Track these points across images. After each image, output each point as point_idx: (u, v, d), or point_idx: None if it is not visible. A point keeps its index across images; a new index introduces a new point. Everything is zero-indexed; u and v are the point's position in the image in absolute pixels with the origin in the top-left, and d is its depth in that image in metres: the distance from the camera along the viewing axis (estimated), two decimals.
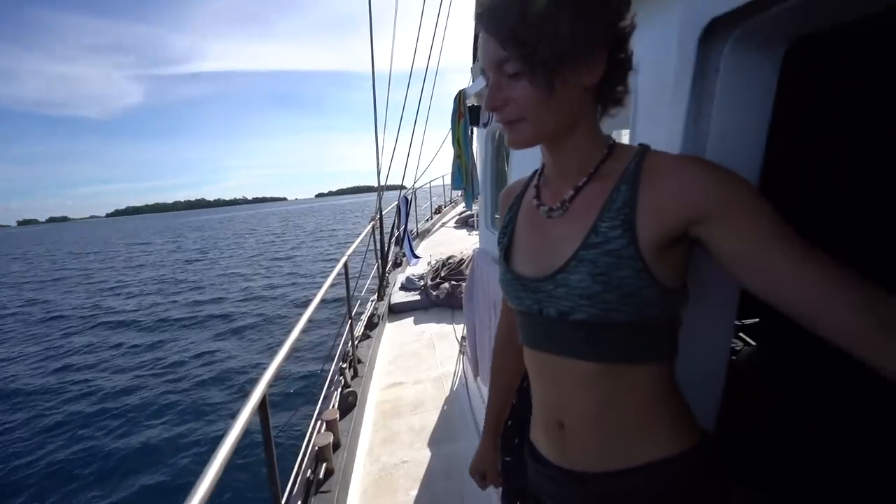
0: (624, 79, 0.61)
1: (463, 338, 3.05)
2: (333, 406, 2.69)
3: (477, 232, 3.20)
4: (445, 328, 4.19)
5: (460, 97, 2.20)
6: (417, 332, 4.26)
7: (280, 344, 1.65)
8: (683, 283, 0.60)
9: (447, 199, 11.88)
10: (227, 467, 0.94)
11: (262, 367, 1.41)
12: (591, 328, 0.59)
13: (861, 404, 1.09)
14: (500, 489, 1.08)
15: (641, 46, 0.79)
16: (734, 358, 1.32)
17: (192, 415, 6.67)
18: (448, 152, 2.74)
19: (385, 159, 5.09)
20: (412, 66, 4.80)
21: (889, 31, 0.91)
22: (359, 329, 3.94)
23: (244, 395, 1.24)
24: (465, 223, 9.33)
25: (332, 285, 2.69)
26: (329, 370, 3.16)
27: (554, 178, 0.68)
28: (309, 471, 2.10)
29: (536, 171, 0.75)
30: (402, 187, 5.89)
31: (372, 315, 4.25)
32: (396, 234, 6.23)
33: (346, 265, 3.11)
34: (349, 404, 2.76)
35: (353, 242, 4.00)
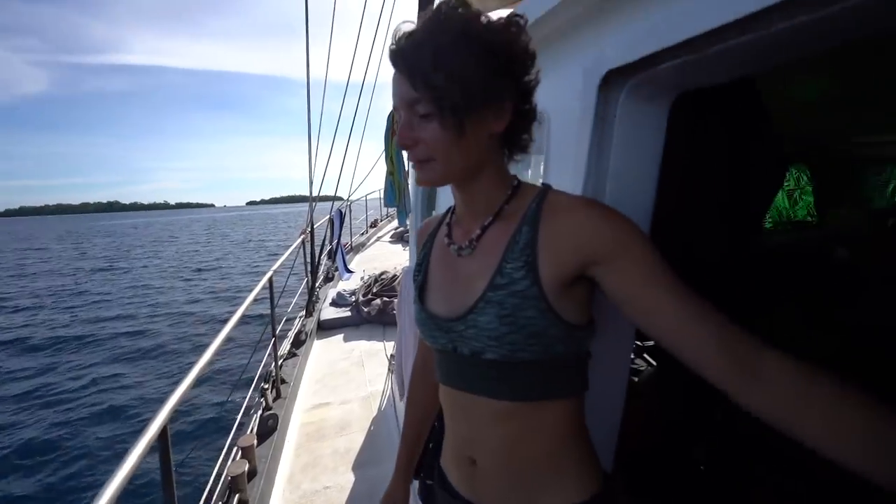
0: (528, 128, 0.64)
1: (392, 356, 3.02)
2: (251, 431, 2.53)
3: None
4: (376, 345, 4.12)
5: (393, 116, 2.22)
6: (347, 349, 4.14)
7: (190, 367, 1.53)
8: (589, 318, 0.63)
9: (383, 213, 11.79)
10: None
11: (163, 392, 1.30)
12: (501, 367, 0.61)
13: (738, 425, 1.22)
14: None
15: (553, 91, 0.86)
16: (636, 379, 1.43)
17: (84, 455, 5.70)
18: (384, 167, 2.75)
19: (319, 170, 4.97)
20: (348, 77, 4.76)
21: (755, 89, 1.07)
22: (284, 347, 3.76)
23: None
24: (400, 238, 9.29)
25: (256, 301, 2.55)
26: (249, 392, 2.97)
27: (464, 217, 0.70)
28: (220, 503, 1.94)
29: (450, 208, 0.77)
30: (335, 198, 5.77)
31: (299, 332, 4.08)
32: (329, 248, 6.06)
33: (270, 280, 2.98)
34: (269, 428, 2.61)
35: (282, 255, 3.84)
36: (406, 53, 0.55)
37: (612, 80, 0.73)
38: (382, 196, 2.67)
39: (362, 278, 5.51)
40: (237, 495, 1.98)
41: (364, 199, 10.42)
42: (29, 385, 8.00)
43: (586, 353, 0.65)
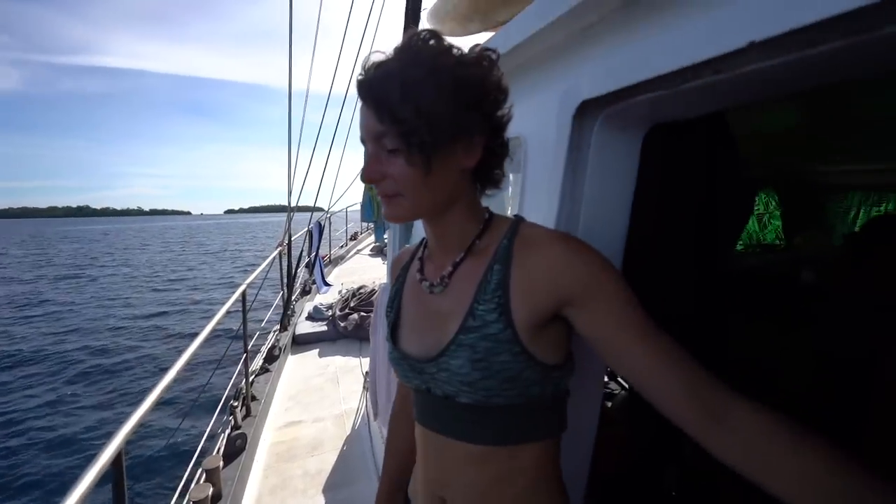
0: (500, 163, 0.63)
1: (367, 372, 2.96)
2: (218, 452, 2.43)
3: None
4: (352, 361, 4.04)
5: None
6: (322, 365, 4.05)
7: (153, 386, 1.46)
8: (566, 356, 0.61)
9: (364, 226, 11.70)
10: None
11: (124, 415, 1.23)
12: (476, 411, 0.59)
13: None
14: None
15: (530, 117, 0.86)
16: (609, 404, 1.44)
17: (31, 485, 5.19)
18: None
19: (298, 180, 4.92)
20: (330, 88, 4.75)
21: (724, 120, 1.11)
22: (257, 363, 3.65)
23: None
24: (380, 251, 9.25)
25: (228, 314, 2.47)
26: (216, 410, 2.86)
27: (436, 252, 0.68)
28: None
29: (423, 240, 0.75)
30: (314, 209, 5.70)
31: (273, 347, 3.97)
32: (307, 260, 5.97)
33: (244, 294, 2.90)
34: (237, 449, 2.51)
35: (259, 265, 3.76)
36: (373, 85, 0.54)
37: (587, 110, 0.74)
38: (361, 211, 2.65)
39: (340, 292, 5.43)
40: None
41: (345, 210, 10.34)
42: None
43: (564, 391, 0.63)
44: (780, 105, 1.54)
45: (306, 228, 5.69)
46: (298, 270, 5.45)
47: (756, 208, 3.28)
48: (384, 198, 0.59)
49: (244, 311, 2.97)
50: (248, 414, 2.88)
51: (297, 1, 4.04)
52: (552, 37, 0.77)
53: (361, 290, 5.25)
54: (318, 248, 5.85)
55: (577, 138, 0.76)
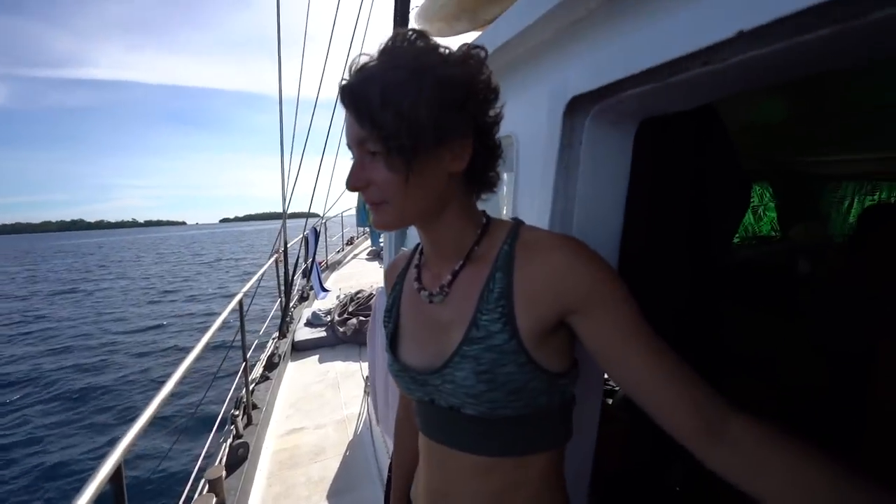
0: (493, 165, 0.61)
1: (367, 377, 2.95)
2: (220, 462, 2.41)
3: None
4: (352, 366, 4.03)
5: None
6: (322, 371, 4.03)
7: (150, 398, 1.45)
8: (571, 363, 0.60)
9: (360, 231, 11.66)
10: None
11: (122, 426, 1.21)
12: (482, 423, 0.58)
13: None
14: None
15: (520, 114, 0.86)
16: (609, 401, 1.44)
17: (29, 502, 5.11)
18: None
19: (292, 187, 4.90)
20: (318, 92, 4.74)
21: (715, 112, 1.11)
22: (257, 371, 3.64)
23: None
24: (377, 255, 9.23)
25: (226, 325, 2.46)
26: (217, 420, 2.84)
27: (432, 259, 0.66)
28: None
29: (419, 245, 0.73)
30: (309, 215, 5.69)
31: (272, 354, 3.96)
32: (304, 266, 5.95)
33: (240, 302, 2.88)
34: (239, 458, 2.49)
35: (254, 274, 3.74)
36: (355, 89, 0.52)
37: (578, 106, 0.74)
38: (355, 216, 2.64)
39: (338, 297, 5.42)
40: None
41: (340, 216, 10.31)
42: None
43: (571, 398, 0.62)
44: (770, 97, 1.55)
45: (302, 234, 5.68)
46: (295, 277, 5.43)
47: (752, 200, 3.30)
48: (371, 206, 0.57)
49: (242, 320, 2.96)
50: (249, 422, 2.87)
51: (285, 7, 4.04)
52: (540, 33, 0.77)
53: (359, 295, 5.24)
54: (314, 254, 5.83)
55: (568, 135, 0.76)
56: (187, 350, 1.85)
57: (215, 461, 2.43)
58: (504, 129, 0.64)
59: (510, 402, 0.55)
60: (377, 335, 2.04)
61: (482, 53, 0.56)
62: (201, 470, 2.23)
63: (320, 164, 5.03)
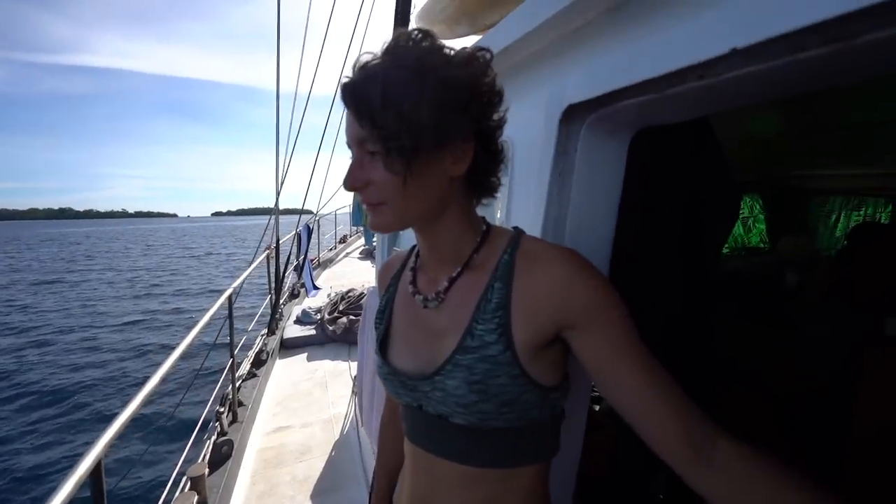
0: (495, 170, 0.60)
1: (356, 377, 2.94)
2: (203, 459, 2.38)
3: None
4: (340, 365, 4.01)
5: None
6: (310, 369, 4.01)
7: (135, 392, 1.42)
8: (563, 376, 0.59)
9: (353, 229, 11.59)
10: None
11: (102, 425, 1.20)
12: (471, 433, 0.57)
13: None
14: None
15: (516, 120, 0.86)
16: (596, 408, 1.45)
17: (5, 499, 5.00)
18: None
19: (287, 183, 4.87)
20: (310, 88, 4.72)
21: (712, 129, 1.12)
22: (244, 368, 3.60)
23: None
24: (369, 255, 9.20)
25: (215, 318, 2.43)
26: (202, 417, 2.81)
27: (429, 263, 0.65)
28: None
29: (415, 247, 0.71)
30: (303, 211, 5.65)
31: (260, 351, 3.92)
32: (296, 263, 5.91)
33: (230, 298, 2.85)
34: (223, 455, 2.46)
35: (245, 269, 3.71)
36: (356, 88, 0.51)
37: (574, 114, 0.74)
38: (350, 214, 2.63)
39: (329, 295, 5.39)
40: None
41: (333, 213, 10.27)
42: None
43: (560, 412, 0.62)
44: (763, 111, 1.57)
45: (294, 231, 5.64)
46: (286, 274, 5.39)
47: (741, 212, 3.34)
48: (368, 206, 0.56)
49: (230, 315, 2.93)
50: (234, 420, 2.84)
51: (286, 2, 4.02)
52: (539, 40, 0.77)
53: (350, 294, 5.22)
54: (306, 251, 5.80)
55: (563, 142, 0.76)
56: (173, 346, 1.82)
57: (198, 458, 2.40)
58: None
59: (501, 413, 0.55)
60: (367, 336, 2.04)
61: (487, 55, 0.55)
62: (184, 467, 2.21)
63: (315, 161, 5.00)
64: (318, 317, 4.76)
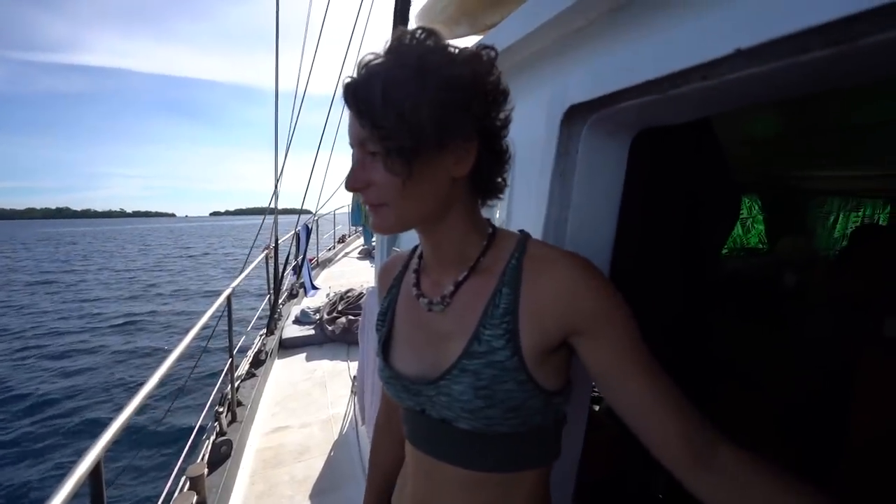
0: (500, 171, 0.59)
1: (355, 377, 2.94)
2: (202, 459, 2.38)
3: None
4: (339, 365, 4.00)
5: None
6: (309, 369, 4.00)
7: (133, 393, 1.42)
8: (566, 381, 0.59)
9: (352, 229, 11.58)
10: None
11: (105, 420, 1.20)
12: (475, 438, 0.57)
13: None
14: None
15: (517, 120, 0.86)
16: (596, 408, 1.45)
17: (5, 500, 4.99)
18: None
19: (286, 182, 4.87)
20: (305, 88, 4.71)
21: (713, 130, 1.13)
22: (243, 368, 3.60)
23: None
24: (368, 255, 9.19)
25: (214, 318, 2.43)
26: (201, 417, 2.80)
27: (432, 265, 0.64)
28: None
29: (417, 248, 0.70)
30: (302, 211, 5.65)
31: (259, 351, 3.92)
32: (294, 263, 5.91)
33: (228, 298, 2.85)
34: (222, 455, 2.46)
35: (244, 270, 3.70)
36: (357, 87, 0.50)
37: (575, 115, 0.74)
38: (349, 214, 2.63)
39: (328, 295, 5.39)
40: None
41: (332, 213, 10.26)
42: None
43: (563, 417, 0.62)
44: (763, 112, 1.57)
45: (293, 231, 5.63)
46: (285, 273, 5.39)
47: (741, 212, 3.35)
48: (370, 208, 0.56)
49: (230, 315, 2.93)
50: (233, 419, 2.83)
51: (285, 2, 4.02)
52: (540, 41, 0.77)
53: (349, 294, 5.22)
54: (305, 251, 5.79)
55: (565, 143, 0.76)
56: (171, 346, 1.82)
57: (197, 458, 2.40)
58: None
59: (507, 419, 0.54)
60: (367, 336, 2.03)
61: (492, 53, 0.54)
62: (183, 467, 2.20)
63: (314, 161, 5.00)
64: (317, 317, 4.76)
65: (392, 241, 1.96)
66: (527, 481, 0.60)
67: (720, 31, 0.46)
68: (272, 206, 4.78)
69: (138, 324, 12.97)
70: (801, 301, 2.11)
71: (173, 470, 2.14)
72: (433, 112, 0.48)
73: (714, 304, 1.75)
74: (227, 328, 2.93)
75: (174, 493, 2.04)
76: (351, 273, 7.72)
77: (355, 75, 0.52)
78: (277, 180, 4.73)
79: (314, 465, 2.62)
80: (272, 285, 4.86)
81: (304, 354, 4.30)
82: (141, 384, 1.47)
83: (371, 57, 0.52)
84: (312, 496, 2.36)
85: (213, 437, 2.57)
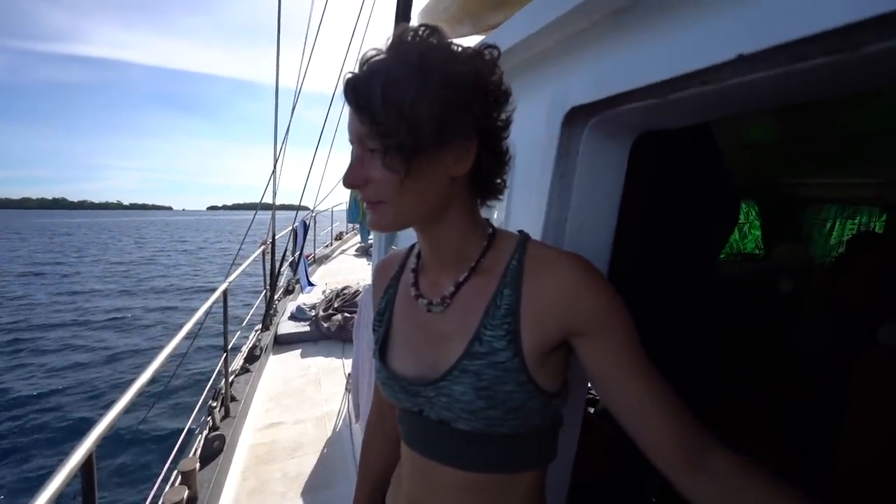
0: (500, 171, 0.59)
1: (349, 374, 2.94)
2: (194, 454, 2.37)
3: None
4: (334, 362, 4.00)
5: None
6: (304, 366, 4.00)
7: (128, 385, 1.42)
8: (564, 382, 0.59)
9: (349, 226, 11.58)
10: None
11: (96, 416, 1.19)
12: (473, 439, 0.57)
13: None
14: None
15: (518, 121, 0.86)
16: (591, 410, 1.45)
17: None
18: None
19: (284, 179, 4.86)
20: (300, 84, 4.70)
21: (712, 134, 1.13)
22: (237, 363, 3.59)
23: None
24: (365, 252, 9.18)
25: (207, 314, 2.43)
26: (194, 411, 2.80)
27: (430, 265, 0.64)
28: None
29: (414, 247, 0.70)
30: (300, 207, 5.64)
31: (254, 347, 3.91)
32: (291, 259, 5.89)
33: (224, 293, 2.84)
34: (214, 450, 2.46)
35: (240, 265, 3.70)
36: (357, 84, 0.50)
37: (576, 116, 0.74)
38: (347, 210, 2.63)
39: (324, 292, 5.38)
40: None
41: (330, 210, 10.24)
42: None
43: (560, 418, 0.62)
44: (761, 118, 1.58)
45: (291, 227, 5.62)
46: (282, 269, 5.37)
47: (738, 218, 3.36)
48: (368, 205, 0.55)
49: (225, 310, 2.92)
50: (226, 415, 2.83)
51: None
52: (543, 42, 0.77)
53: (345, 291, 5.21)
54: (302, 247, 5.78)
55: (565, 144, 0.76)
56: (169, 335, 1.82)
57: (190, 453, 2.39)
58: None
59: (507, 419, 0.54)
60: (363, 333, 2.03)
61: (495, 52, 0.53)
62: (175, 461, 2.20)
63: (313, 158, 4.99)
64: (313, 313, 4.75)
65: (390, 239, 1.96)
66: (523, 483, 0.60)
67: (723, 36, 0.46)
68: (270, 201, 4.77)
69: (134, 319, 12.88)
70: (797, 307, 2.12)
71: (165, 464, 2.14)
72: (433, 110, 0.48)
73: (710, 308, 1.76)
74: (222, 323, 2.93)
75: (166, 486, 2.04)
76: (347, 270, 7.71)
77: (356, 71, 0.52)
78: (276, 176, 4.72)
79: (307, 462, 2.62)
80: (268, 281, 4.85)
81: (299, 351, 4.30)
82: (134, 379, 1.46)
83: (372, 53, 0.52)
84: (304, 493, 2.36)
85: (205, 432, 2.57)
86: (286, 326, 4.60)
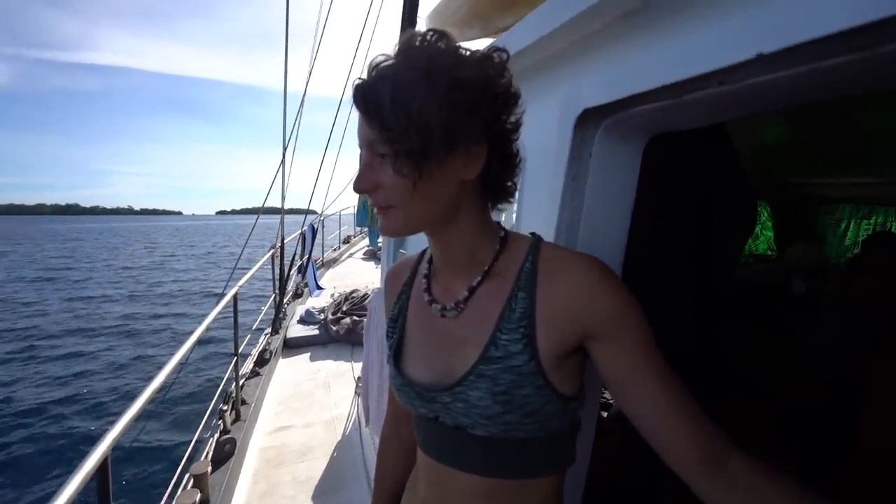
0: (510, 174, 0.58)
1: (359, 378, 2.94)
2: (206, 457, 2.39)
3: None
4: (343, 366, 4.01)
5: None
6: (313, 369, 4.01)
7: (141, 390, 1.43)
8: (580, 386, 0.59)
9: (357, 230, 11.62)
10: None
11: (109, 421, 1.20)
12: (490, 444, 0.56)
13: None
14: None
15: (529, 124, 0.86)
16: (604, 414, 1.44)
17: (12, 499, 4.97)
18: None
19: (292, 183, 4.89)
20: (305, 88, 4.73)
21: (728, 135, 1.12)
22: (247, 366, 3.61)
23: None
24: (373, 255, 9.21)
25: (218, 318, 2.44)
26: (205, 415, 2.81)
27: (443, 270, 0.63)
28: None
29: (425, 252, 0.70)
30: (308, 211, 5.67)
31: (264, 350, 3.93)
32: (300, 263, 5.93)
33: (235, 297, 2.86)
34: (225, 454, 2.47)
35: (249, 269, 3.73)
36: (367, 89, 0.50)
37: (589, 118, 0.73)
38: (355, 214, 2.64)
39: (332, 296, 5.40)
40: None
41: (338, 214, 10.29)
42: None
43: (577, 422, 0.61)
44: (773, 117, 1.56)
45: (299, 231, 5.65)
46: (291, 273, 5.41)
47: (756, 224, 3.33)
48: (378, 210, 0.55)
49: (235, 314, 2.95)
50: (237, 418, 2.84)
51: (294, 4, 4.04)
52: (554, 44, 0.77)
53: (354, 294, 5.23)
54: (310, 251, 5.81)
55: (578, 146, 0.75)
56: (180, 340, 1.83)
57: (201, 456, 2.41)
58: None
59: (524, 424, 0.54)
60: (372, 337, 2.03)
61: (504, 56, 0.53)
62: (187, 464, 2.21)
63: (322, 162, 5.02)
64: (322, 317, 4.77)
65: (399, 243, 1.96)
66: (541, 489, 0.59)
67: (741, 36, 0.46)
68: (278, 205, 4.80)
69: (152, 319, 13.07)
70: (810, 308, 2.09)
71: (178, 466, 2.15)
72: (442, 114, 0.48)
73: (723, 310, 1.74)
74: (230, 328, 2.95)
75: (178, 490, 2.05)
76: (355, 274, 7.73)
77: (365, 77, 0.52)
78: (284, 181, 4.75)
79: (317, 466, 2.63)
80: (278, 285, 4.88)
81: (308, 354, 4.31)
82: (147, 384, 1.48)
83: (381, 58, 0.52)
84: (314, 497, 2.36)
85: (216, 436, 2.59)
86: (295, 330, 4.62)
